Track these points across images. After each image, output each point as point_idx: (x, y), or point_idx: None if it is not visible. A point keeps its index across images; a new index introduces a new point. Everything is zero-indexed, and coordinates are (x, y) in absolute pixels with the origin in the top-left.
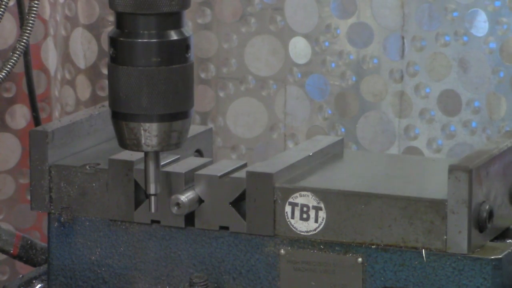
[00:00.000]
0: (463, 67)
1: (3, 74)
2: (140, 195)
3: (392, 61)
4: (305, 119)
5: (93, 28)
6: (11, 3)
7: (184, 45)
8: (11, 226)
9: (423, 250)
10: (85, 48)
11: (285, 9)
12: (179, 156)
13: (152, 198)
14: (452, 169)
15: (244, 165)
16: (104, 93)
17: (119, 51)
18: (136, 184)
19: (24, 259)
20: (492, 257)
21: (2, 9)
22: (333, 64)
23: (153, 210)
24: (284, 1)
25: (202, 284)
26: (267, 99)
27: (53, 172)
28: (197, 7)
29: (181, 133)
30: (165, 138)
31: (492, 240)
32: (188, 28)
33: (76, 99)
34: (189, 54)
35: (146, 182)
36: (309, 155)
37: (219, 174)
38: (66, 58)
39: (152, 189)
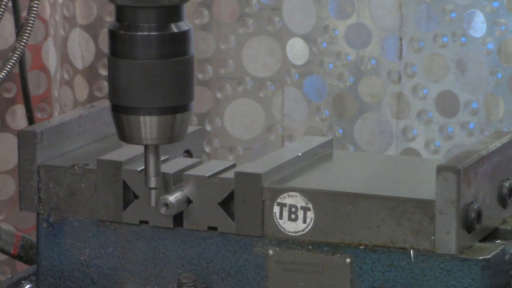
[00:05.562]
0: (461, 68)
1: (3, 74)
2: (128, 196)
3: (390, 62)
4: (303, 120)
5: (91, 29)
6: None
7: (184, 38)
8: (11, 227)
9: (411, 250)
10: (83, 49)
11: (283, 10)
12: (168, 156)
13: (152, 191)
14: (440, 170)
15: (233, 166)
16: (101, 93)
17: (118, 44)
18: (125, 184)
19: (24, 259)
20: (481, 258)
21: (2, 9)
22: (331, 65)
23: (153, 204)
24: (282, 2)
25: (190, 284)
26: (265, 100)
27: (41, 172)
28: (195, 8)
29: (181, 126)
30: (165, 132)
31: (480, 241)
32: (187, 21)
33: (74, 100)
34: (189, 47)
35: (147, 176)
36: (298, 156)
37: (207, 175)
38: (64, 58)
39: (152, 183)
